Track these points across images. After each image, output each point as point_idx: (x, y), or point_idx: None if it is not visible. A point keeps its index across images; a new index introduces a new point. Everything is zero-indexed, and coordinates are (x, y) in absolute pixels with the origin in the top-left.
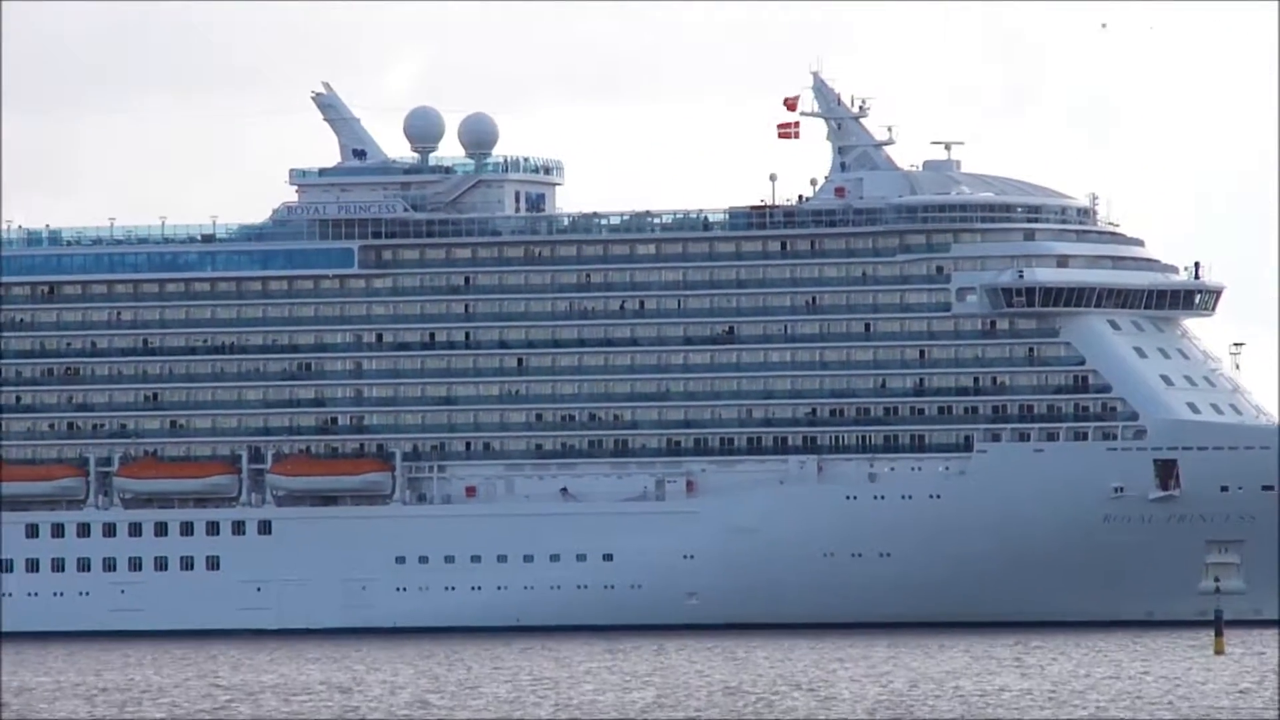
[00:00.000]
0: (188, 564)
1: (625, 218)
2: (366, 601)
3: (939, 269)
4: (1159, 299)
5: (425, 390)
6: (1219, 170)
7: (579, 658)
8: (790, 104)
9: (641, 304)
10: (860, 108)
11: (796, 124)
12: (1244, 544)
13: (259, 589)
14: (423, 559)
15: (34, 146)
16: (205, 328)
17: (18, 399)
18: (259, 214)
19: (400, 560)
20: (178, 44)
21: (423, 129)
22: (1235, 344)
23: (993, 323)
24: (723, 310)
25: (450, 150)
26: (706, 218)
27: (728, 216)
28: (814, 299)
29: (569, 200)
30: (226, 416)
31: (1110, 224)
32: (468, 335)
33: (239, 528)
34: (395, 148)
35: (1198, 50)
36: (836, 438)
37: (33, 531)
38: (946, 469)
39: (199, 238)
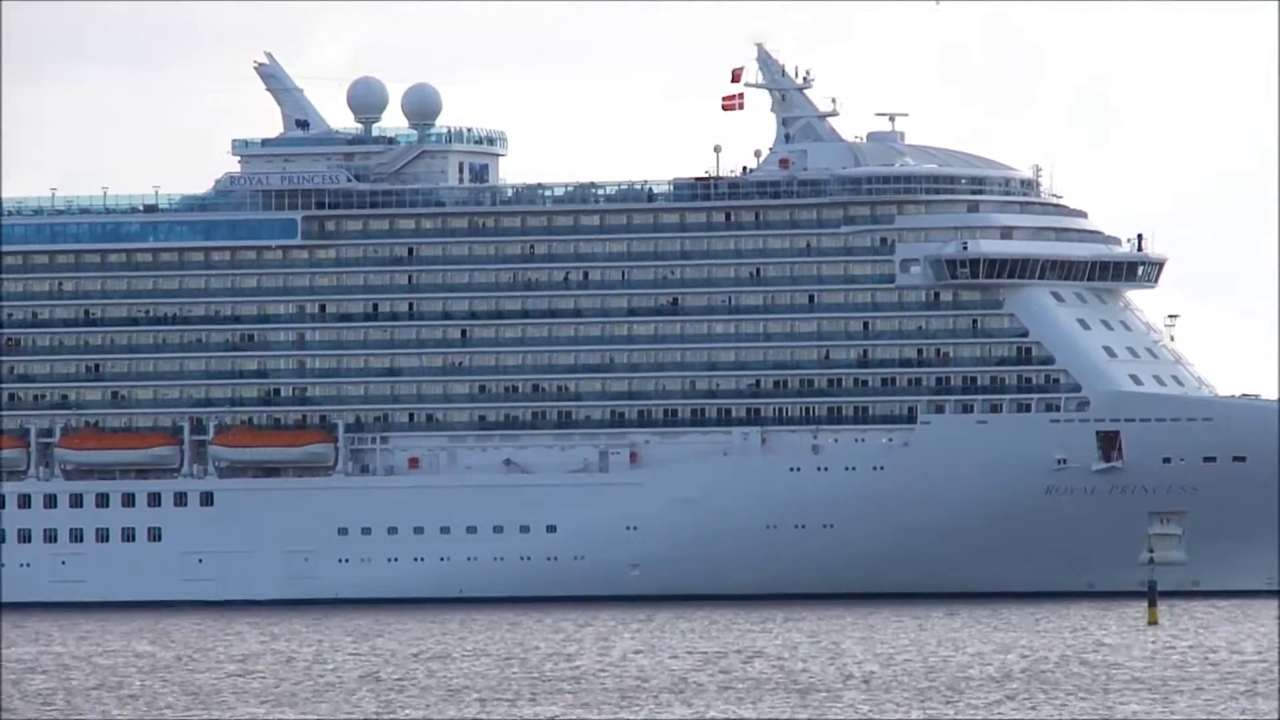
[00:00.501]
0: (129, 535)
1: (569, 189)
2: (309, 573)
3: (883, 240)
4: (1102, 270)
5: (368, 361)
6: (1164, 142)
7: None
8: (735, 75)
9: (585, 275)
10: (804, 79)
11: (741, 95)
12: (1186, 515)
13: (201, 560)
14: (365, 530)
15: None
16: (147, 298)
17: None
18: (201, 184)
19: (343, 532)
20: (118, 13)
21: (366, 99)
22: (1170, 316)
23: (936, 294)
24: (667, 282)
25: (393, 121)
26: (651, 189)
27: (672, 188)
28: (758, 270)
29: (513, 171)
30: (168, 388)
31: (1054, 195)
32: (411, 306)
33: (181, 499)
34: (338, 118)
35: (1139, 22)
36: (780, 409)
37: None
38: (890, 440)
39: (141, 208)
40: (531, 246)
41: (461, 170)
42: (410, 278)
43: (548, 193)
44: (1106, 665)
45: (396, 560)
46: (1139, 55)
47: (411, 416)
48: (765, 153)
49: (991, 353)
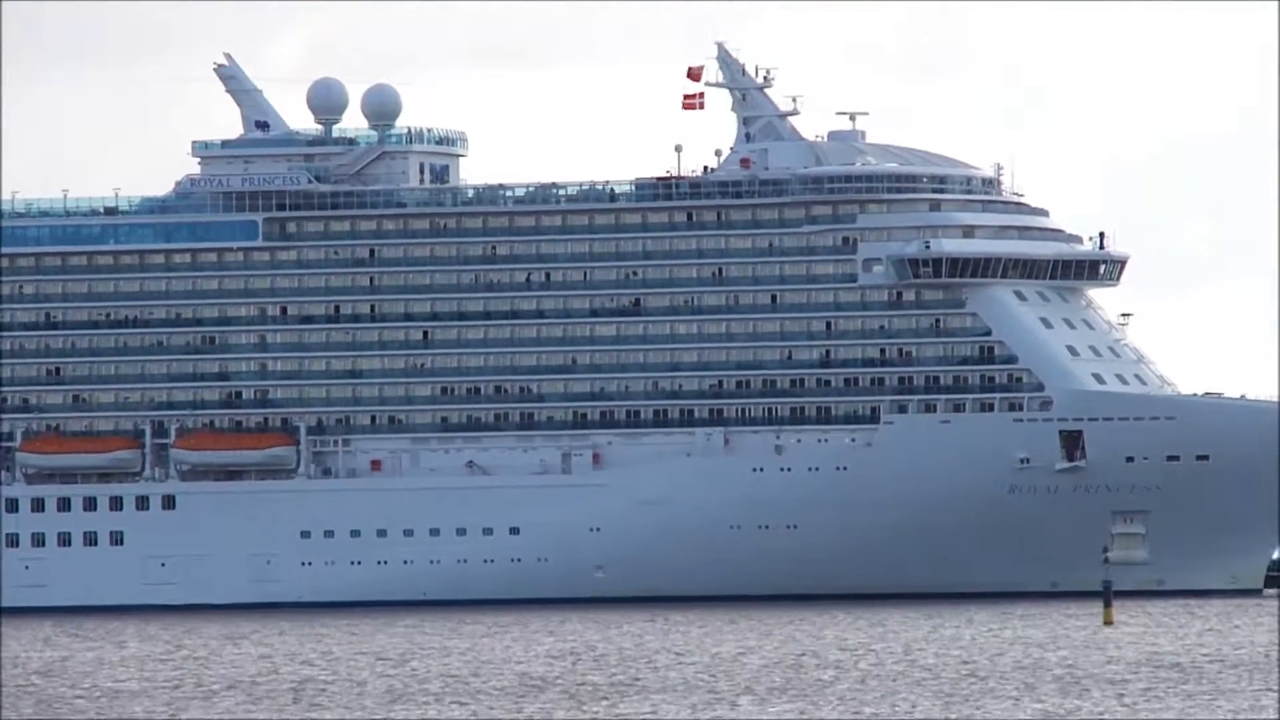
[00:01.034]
0: (91, 539)
1: (531, 189)
2: (272, 576)
3: (845, 240)
4: (1064, 269)
5: (330, 364)
6: (1124, 139)
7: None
8: (694, 74)
9: (547, 276)
10: (765, 78)
11: (701, 95)
12: (1149, 514)
13: (163, 564)
14: (328, 533)
15: None
16: (108, 301)
17: None
18: (162, 186)
19: (305, 535)
20: (76, 15)
21: (326, 100)
22: (1124, 314)
23: (899, 294)
24: (629, 282)
25: (353, 122)
26: (612, 189)
27: (633, 188)
28: (720, 270)
29: (473, 172)
30: (130, 391)
31: (1015, 194)
32: (373, 308)
33: (143, 503)
34: (298, 119)
35: (1103, 20)
36: (743, 410)
37: None
38: (853, 440)
39: (101, 210)
40: (493, 247)
41: (422, 171)
42: (372, 279)
43: (509, 193)
44: (1047, 665)
45: (359, 563)
46: (1098, 53)
47: (374, 419)
48: (726, 152)
49: (954, 352)
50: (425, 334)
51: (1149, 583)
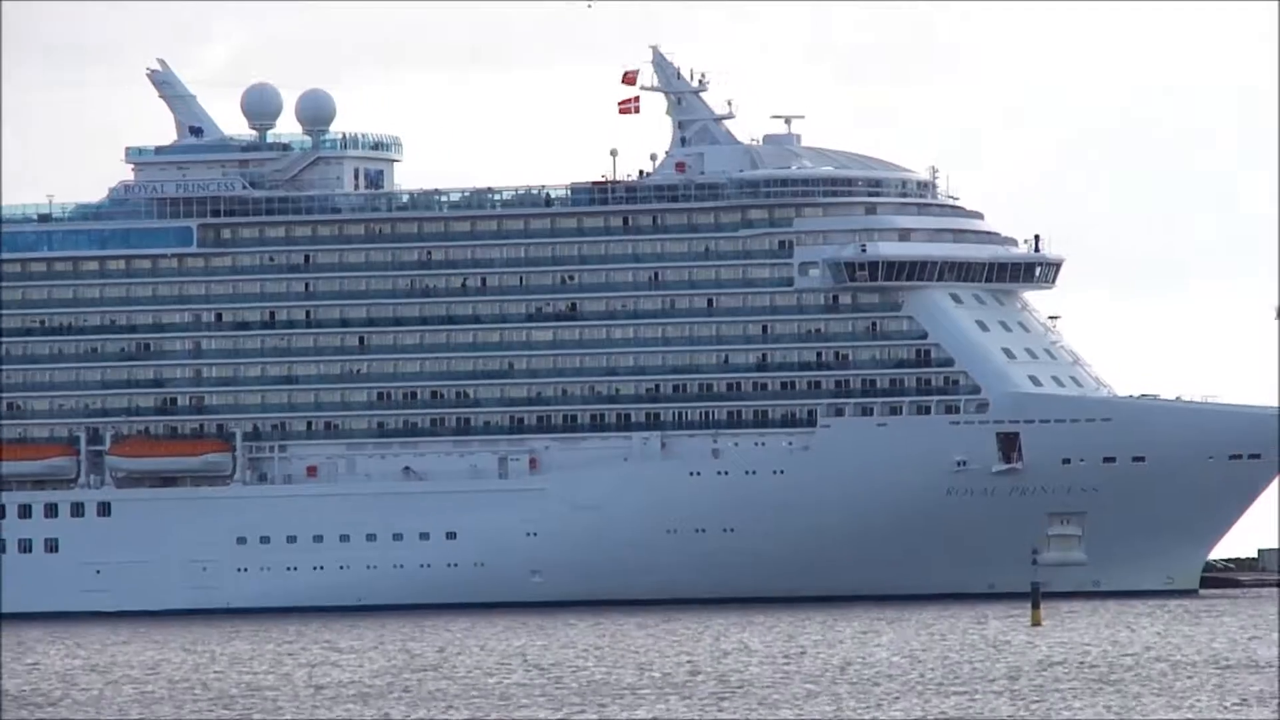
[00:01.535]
0: (26, 546)
1: (466, 194)
2: (208, 583)
3: (781, 243)
4: (999, 272)
5: (265, 369)
6: (1057, 141)
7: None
8: (629, 79)
9: (483, 281)
10: (700, 82)
11: (636, 99)
12: (1085, 516)
13: (98, 571)
14: (264, 539)
15: None
16: (42, 308)
17: None
18: (96, 193)
19: (241, 541)
20: (7, 20)
21: (260, 106)
22: (1051, 317)
23: (835, 297)
24: (565, 287)
25: (288, 127)
26: (548, 194)
27: (569, 192)
28: (656, 274)
29: (408, 177)
30: (65, 398)
31: (950, 197)
32: (308, 314)
33: (78, 509)
34: (232, 125)
35: (1034, 21)
36: (680, 414)
37: None
38: (790, 444)
39: (35, 217)
40: (428, 252)
41: (357, 176)
42: (307, 285)
43: (444, 198)
44: (952, 665)
45: (296, 569)
46: (1034, 55)
47: (309, 424)
48: (661, 156)
49: (891, 355)
50: (361, 339)
51: (1085, 584)
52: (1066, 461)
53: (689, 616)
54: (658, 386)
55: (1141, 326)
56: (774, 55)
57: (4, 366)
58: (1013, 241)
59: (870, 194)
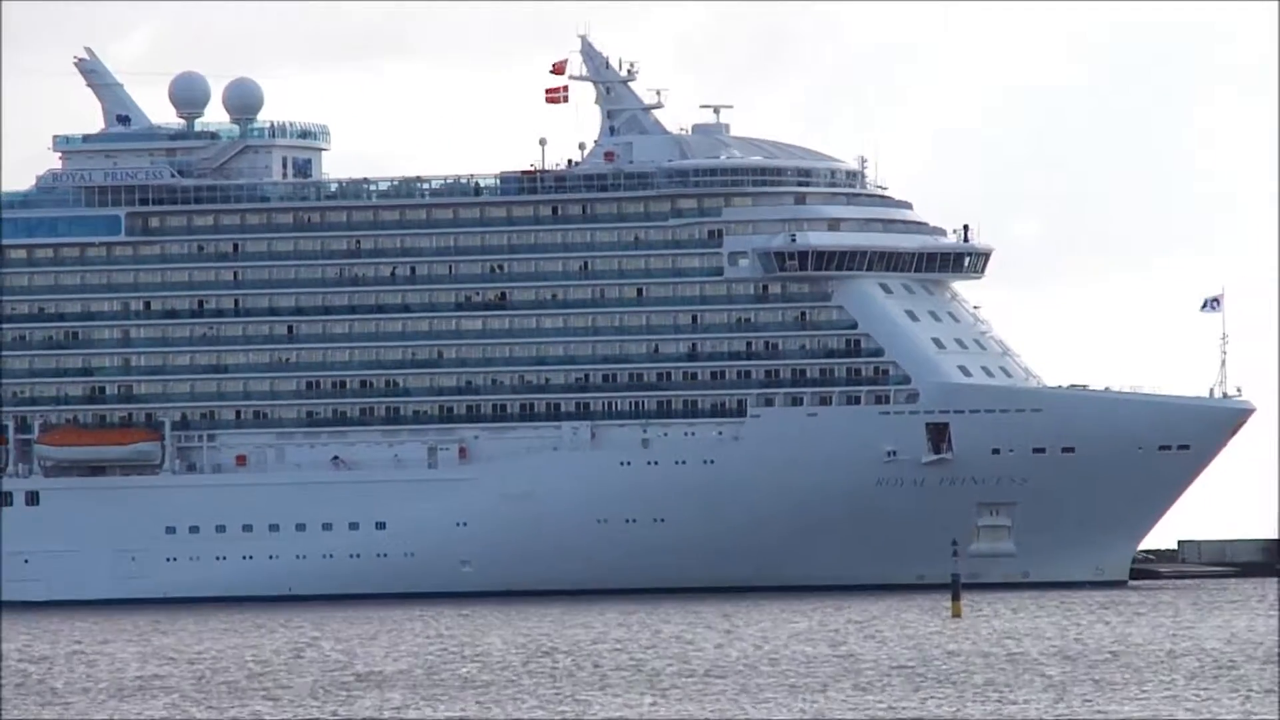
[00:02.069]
0: None
1: (394, 183)
2: (137, 572)
3: (711, 233)
4: (929, 262)
5: (194, 359)
6: (987, 131)
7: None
8: (558, 68)
9: (412, 270)
10: (629, 71)
11: (565, 88)
12: (1015, 507)
13: (27, 561)
14: (194, 529)
15: None
16: None
17: None
18: (23, 181)
19: (171, 530)
20: None
21: (188, 94)
22: (974, 307)
23: (765, 287)
24: (494, 276)
25: (215, 116)
26: (477, 183)
27: (498, 181)
28: (586, 264)
29: (336, 166)
30: None
31: (879, 187)
32: (237, 302)
33: (6, 499)
34: (160, 113)
35: (961, 13)
36: (610, 403)
37: None
38: (720, 434)
39: None
40: (357, 241)
41: (285, 165)
42: (235, 274)
43: (373, 187)
44: (853, 657)
45: (225, 559)
46: (960, 46)
47: (239, 414)
48: (590, 145)
49: (821, 345)
50: (290, 328)
51: (1014, 575)
52: (996, 452)
53: (613, 606)
54: (587, 376)
55: (1069, 317)
56: (701, 44)
57: None
58: (941, 231)
59: (800, 184)
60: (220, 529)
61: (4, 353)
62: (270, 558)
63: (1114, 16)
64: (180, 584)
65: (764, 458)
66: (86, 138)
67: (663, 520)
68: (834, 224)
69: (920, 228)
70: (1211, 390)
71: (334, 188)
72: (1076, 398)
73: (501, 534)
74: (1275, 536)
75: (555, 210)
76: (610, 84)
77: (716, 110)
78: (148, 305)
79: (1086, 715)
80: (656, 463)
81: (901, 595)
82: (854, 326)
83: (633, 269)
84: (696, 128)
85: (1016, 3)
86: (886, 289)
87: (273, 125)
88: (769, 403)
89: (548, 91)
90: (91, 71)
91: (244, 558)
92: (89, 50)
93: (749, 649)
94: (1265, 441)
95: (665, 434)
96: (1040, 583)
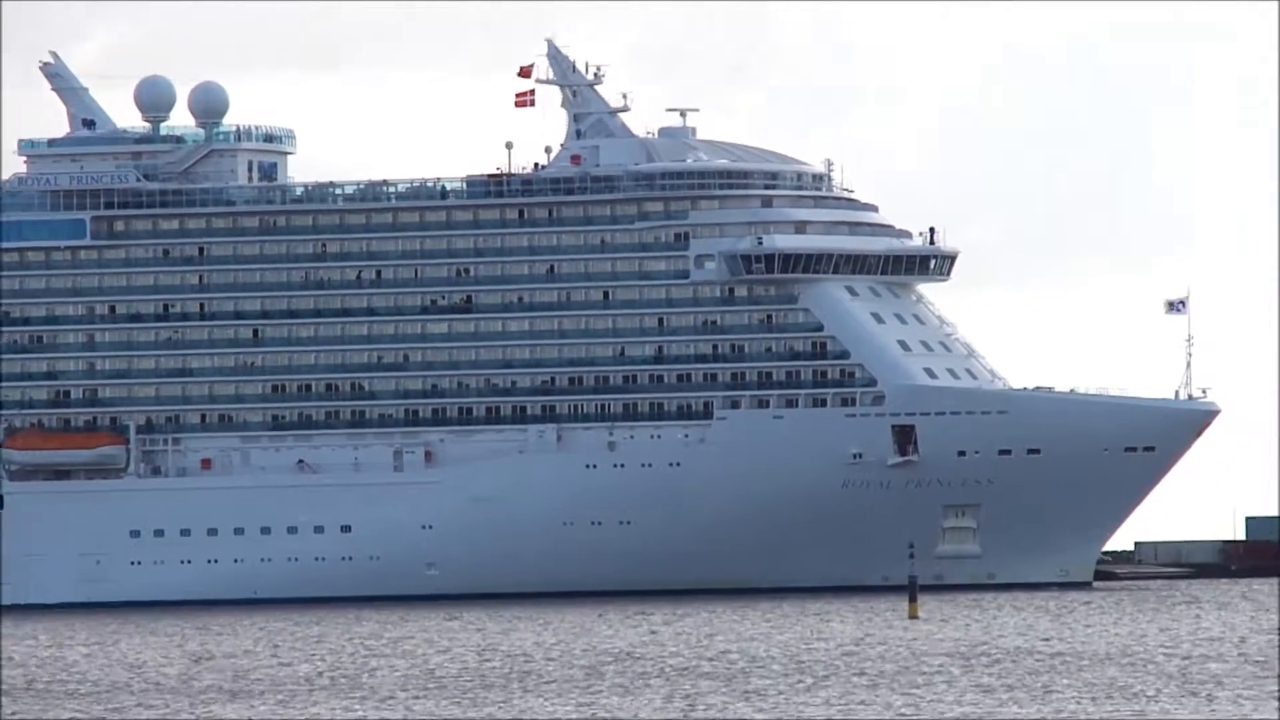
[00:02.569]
0: None
1: (360, 186)
2: (102, 576)
3: (677, 236)
4: (894, 264)
5: (159, 362)
6: (950, 133)
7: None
8: (524, 72)
9: (378, 273)
10: (595, 75)
11: (532, 92)
12: (980, 508)
13: None
14: (158, 532)
15: None
16: None
17: None
18: None
19: (135, 534)
20: None
21: (153, 98)
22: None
23: (731, 290)
24: (460, 279)
25: (181, 120)
26: (443, 186)
27: (464, 185)
28: (552, 267)
29: (302, 170)
30: None
31: (845, 190)
32: (202, 306)
33: None
34: (125, 117)
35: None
36: (575, 406)
37: None
38: (686, 437)
39: None
40: (323, 245)
41: (251, 169)
42: (201, 277)
43: (338, 191)
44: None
45: (190, 562)
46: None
47: (204, 417)
48: (557, 149)
49: (787, 348)
50: (255, 332)
51: (980, 576)
52: (962, 454)
53: (576, 609)
54: (553, 379)
55: (1035, 319)
56: (667, 49)
57: None
58: (907, 234)
59: (766, 186)
60: (185, 533)
61: None
62: (235, 561)
63: (1076, 18)
64: (145, 588)
65: (730, 460)
66: (51, 142)
67: (629, 523)
68: (800, 227)
69: (886, 230)
70: (1177, 392)
71: (299, 191)
72: (1042, 400)
73: (467, 537)
74: (1231, 538)
75: (521, 213)
76: (576, 87)
77: (683, 114)
78: (113, 309)
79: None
80: (623, 465)
81: (865, 597)
82: (820, 329)
83: (599, 272)
84: (663, 131)
85: (983, 4)
86: (852, 291)
87: (238, 129)
88: (735, 405)
89: (516, 95)
90: (56, 75)
91: (209, 561)
92: (54, 54)
93: (683, 648)
94: (1220, 442)
95: (631, 437)
96: (1006, 584)
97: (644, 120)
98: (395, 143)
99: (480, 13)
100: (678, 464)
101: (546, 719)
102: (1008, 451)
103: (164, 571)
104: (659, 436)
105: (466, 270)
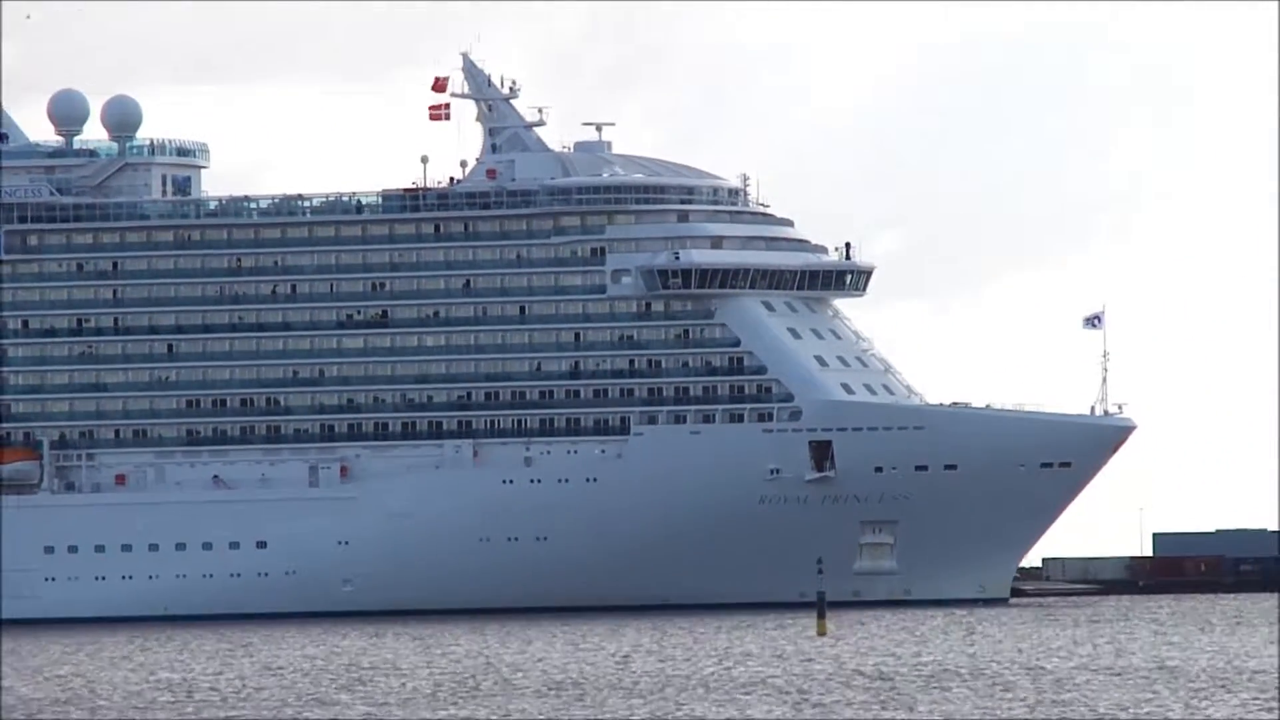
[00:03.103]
0: None
1: (275, 200)
2: (15, 592)
3: (593, 251)
4: (811, 279)
5: (73, 377)
6: (867, 147)
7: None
8: (440, 85)
9: (293, 288)
10: (511, 89)
11: (447, 105)
12: (898, 524)
13: None
14: (73, 548)
15: None
16: None
17: None
18: None
19: (49, 550)
20: None
21: (67, 111)
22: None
23: (648, 304)
24: (376, 294)
25: (94, 133)
26: (359, 200)
27: (380, 199)
28: (468, 282)
29: (216, 184)
30: None
31: (761, 204)
32: (116, 321)
33: None
34: (38, 131)
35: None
36: (492, 421)
37: None
38: (603, 452)
39: None
40: (238, 259)
41: (165, 183)
42: (115, 292)
43: (253, 205)
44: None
45: (104, 579)
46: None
47: (118, 433)
48: (472, 163)
49: (704, 363)
50: (170, 347)
51: (897, 592)
52: (879, 470)
53: (496, 625)
54: (470, 394)
55: (951, 334)
56: (581, 63)
57: None
58: (823, 249)
59: (682, 201)
60: (99, 549)
61: None
62: (150, 577)
63: (985, 27)
64: (59, 604)
65: (647, 476)
66: None
67: (546, 539)
68: (717, 242)
69: (802, 245)
70: (1093, 408)
71: (214, 205)
72: (959, 415)
73: (383, 553)
74: (1139, 554)
75: (437, 228)
76: (492, 101)
77: (599, 128)
78: (25, 324)
79: None
80: (539, 481)
81: (780, 613)
82: (737, 344)
83: (515, 287)
84: (579, 145)
85: (891, 4)
86: (769, 307)
87: (152, 143)
88: (652, 420)
89: (431, 109)
90: None
91: (123, 577)
92: None
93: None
94: (1128, 459)
95: (548, 452)
96: (923, 600)
97: (560, 134)
98: (310, 156)
99: (395, 24)
100: (594, 479)
101: None
102: (925, 467)
103: (78, 588)
104: (575, 452)
105: (382, 285)
